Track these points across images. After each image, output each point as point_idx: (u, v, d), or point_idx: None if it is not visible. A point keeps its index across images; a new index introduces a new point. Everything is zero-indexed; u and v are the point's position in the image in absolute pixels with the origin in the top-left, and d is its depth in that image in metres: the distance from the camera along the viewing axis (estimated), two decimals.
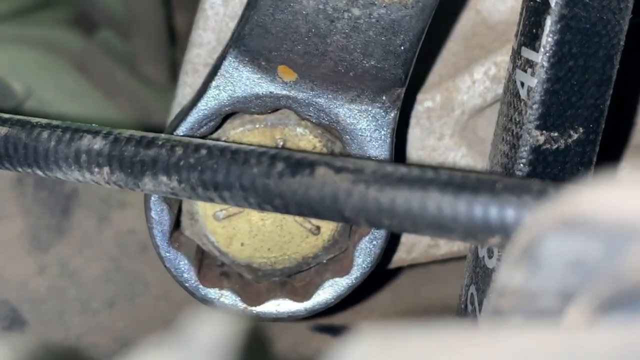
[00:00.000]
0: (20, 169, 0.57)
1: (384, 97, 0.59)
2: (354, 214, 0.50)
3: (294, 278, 0.65)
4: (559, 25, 0.54)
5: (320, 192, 0.51)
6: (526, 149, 0.56)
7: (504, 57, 0.67)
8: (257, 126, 0.62)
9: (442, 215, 0.48)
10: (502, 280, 0.33)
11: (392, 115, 0.60)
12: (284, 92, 0.60)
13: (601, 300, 0.30)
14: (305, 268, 0.65)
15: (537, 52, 0.55)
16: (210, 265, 0.64)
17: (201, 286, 0.62)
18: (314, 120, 0.61)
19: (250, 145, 0.56)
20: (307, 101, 0.60)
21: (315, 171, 0.51)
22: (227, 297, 0.62)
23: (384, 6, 0.56)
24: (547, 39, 0.55)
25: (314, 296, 0.62)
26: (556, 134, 0.56)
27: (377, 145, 0.60)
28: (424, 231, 0.49)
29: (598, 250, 0.31)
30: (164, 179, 0.54)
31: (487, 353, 0.28)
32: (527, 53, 0.56)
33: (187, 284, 0.62)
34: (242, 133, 0.62)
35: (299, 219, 0.63)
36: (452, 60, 0.68)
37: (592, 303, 0.31)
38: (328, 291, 0.62)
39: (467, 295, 0.63)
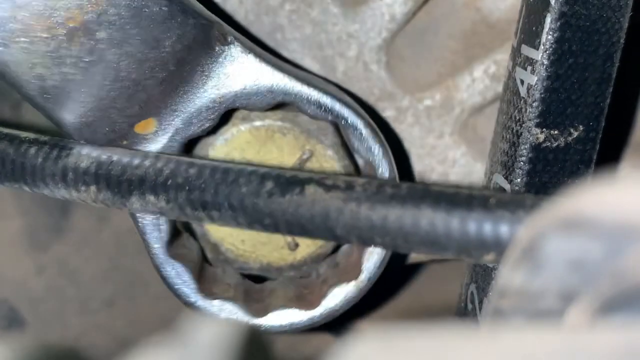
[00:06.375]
0: (7, 184, 0.56)
1: (215, 49, 0.56)
2: (346, 232, 0.49)
3: (301, 286, 0.63)
4: (558, 23, 0.54)
5: (310, 210, 0.50)
6: (526, 147, 0.56)
7: (503, 55, 0.67)
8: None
9: (435, 232, 0.47)
10: (503, 281, 0.33)
11: (235, 48, 0.56)
12: (165, 137, 0.57)
13: (602, 301, 0.30)
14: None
15: (537, 49, 0.55)
16: (213, 275, 0.62)
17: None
18: (205, 126, 0.57)
19: (239, 163, 0.54)
20: (185, 124, 0.57)
21: (305, 190, 0.50)
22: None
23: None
24: (547, 36, 0.54)
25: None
26: (556, 132, 0.56)
27: (256, 74, 0.57)
28: (417, 248, 0.48)
29: (599, 251, 0.30)
30: (152, 198, 0.53)
31: (488, 354, 0.28)
32: (527, 51, 0.56)
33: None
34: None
35: None
36: (451, 59, 0.68)
37: (593, 303, 0.31)
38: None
39: (467, 294, 0.62)
